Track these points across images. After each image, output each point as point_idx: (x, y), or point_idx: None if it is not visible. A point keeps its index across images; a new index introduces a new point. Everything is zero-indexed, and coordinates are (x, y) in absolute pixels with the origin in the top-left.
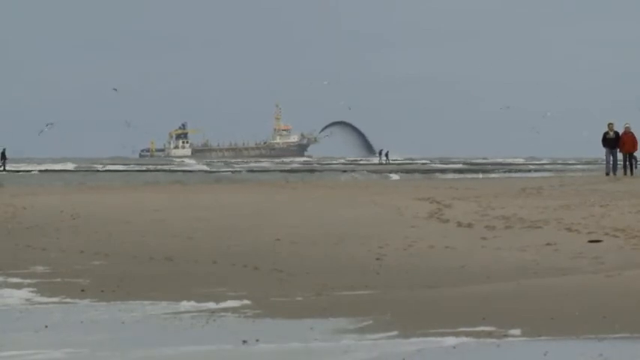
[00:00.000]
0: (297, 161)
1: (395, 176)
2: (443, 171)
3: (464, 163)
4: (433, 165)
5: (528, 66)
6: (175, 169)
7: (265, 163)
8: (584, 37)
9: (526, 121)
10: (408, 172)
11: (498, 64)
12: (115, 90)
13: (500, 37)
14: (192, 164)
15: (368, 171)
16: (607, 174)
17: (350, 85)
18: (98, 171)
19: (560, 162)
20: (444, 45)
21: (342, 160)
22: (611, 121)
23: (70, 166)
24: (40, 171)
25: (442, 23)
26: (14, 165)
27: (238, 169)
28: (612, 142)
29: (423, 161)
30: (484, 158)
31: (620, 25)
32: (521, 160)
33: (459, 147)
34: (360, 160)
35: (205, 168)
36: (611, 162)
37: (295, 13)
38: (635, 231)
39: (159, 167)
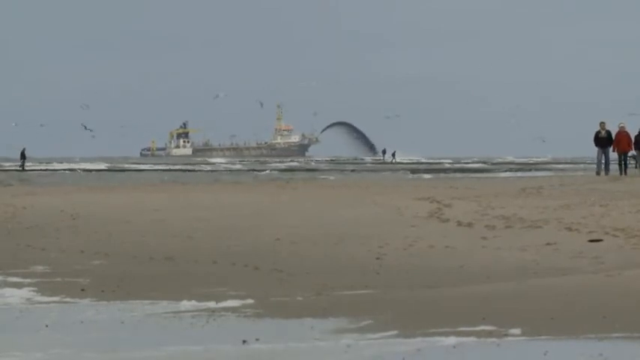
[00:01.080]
0: (317, 161)
1: (427, 175)
2: (465, 171)
3: (485, 163)
4: (457, 165)
5: (528, 66)
6: (214, 169)
7: (293, 163)
8: (584, 37)
9: (527, 121)
10: (437, 171)
11: (498, 64)
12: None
13: (500, 37)
14: (220, 163)
15: (404, 170)
16: (597, 173)
17: (350, 85)
18: (138, 170)
19: (587, 161)
20: (444, 45)
21: (353, 160)
22: (603, 120)
23: (102, 165)
24: (77, 170)
25: (442, 23)
26: (47, 164)
27: (270, 168)
28: (604, 141)
29: (448, 161)
30: (500, 158)
31: (620, 25)
32: (545, 160)
33: (460, 147)
34: (371, 159)
35: (240, 167)
36: (603, 161)
37: (295, 13)
38: (635, 231)
39: (196, 167)
